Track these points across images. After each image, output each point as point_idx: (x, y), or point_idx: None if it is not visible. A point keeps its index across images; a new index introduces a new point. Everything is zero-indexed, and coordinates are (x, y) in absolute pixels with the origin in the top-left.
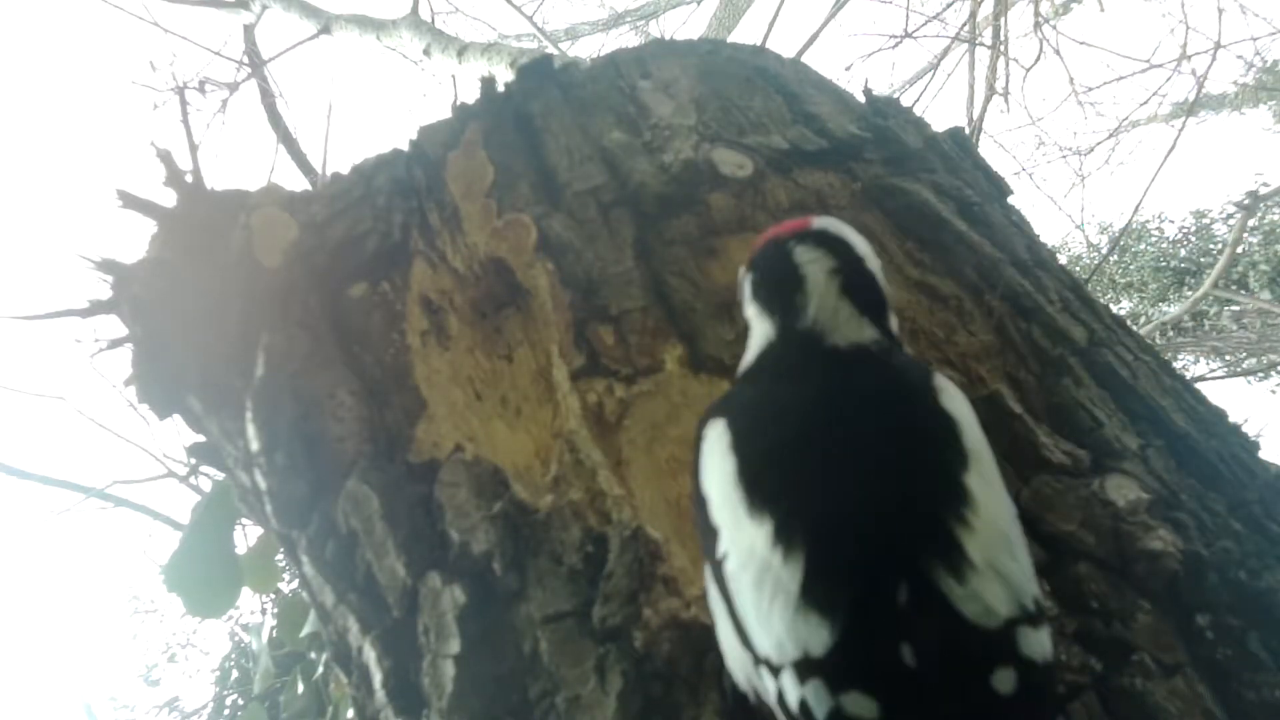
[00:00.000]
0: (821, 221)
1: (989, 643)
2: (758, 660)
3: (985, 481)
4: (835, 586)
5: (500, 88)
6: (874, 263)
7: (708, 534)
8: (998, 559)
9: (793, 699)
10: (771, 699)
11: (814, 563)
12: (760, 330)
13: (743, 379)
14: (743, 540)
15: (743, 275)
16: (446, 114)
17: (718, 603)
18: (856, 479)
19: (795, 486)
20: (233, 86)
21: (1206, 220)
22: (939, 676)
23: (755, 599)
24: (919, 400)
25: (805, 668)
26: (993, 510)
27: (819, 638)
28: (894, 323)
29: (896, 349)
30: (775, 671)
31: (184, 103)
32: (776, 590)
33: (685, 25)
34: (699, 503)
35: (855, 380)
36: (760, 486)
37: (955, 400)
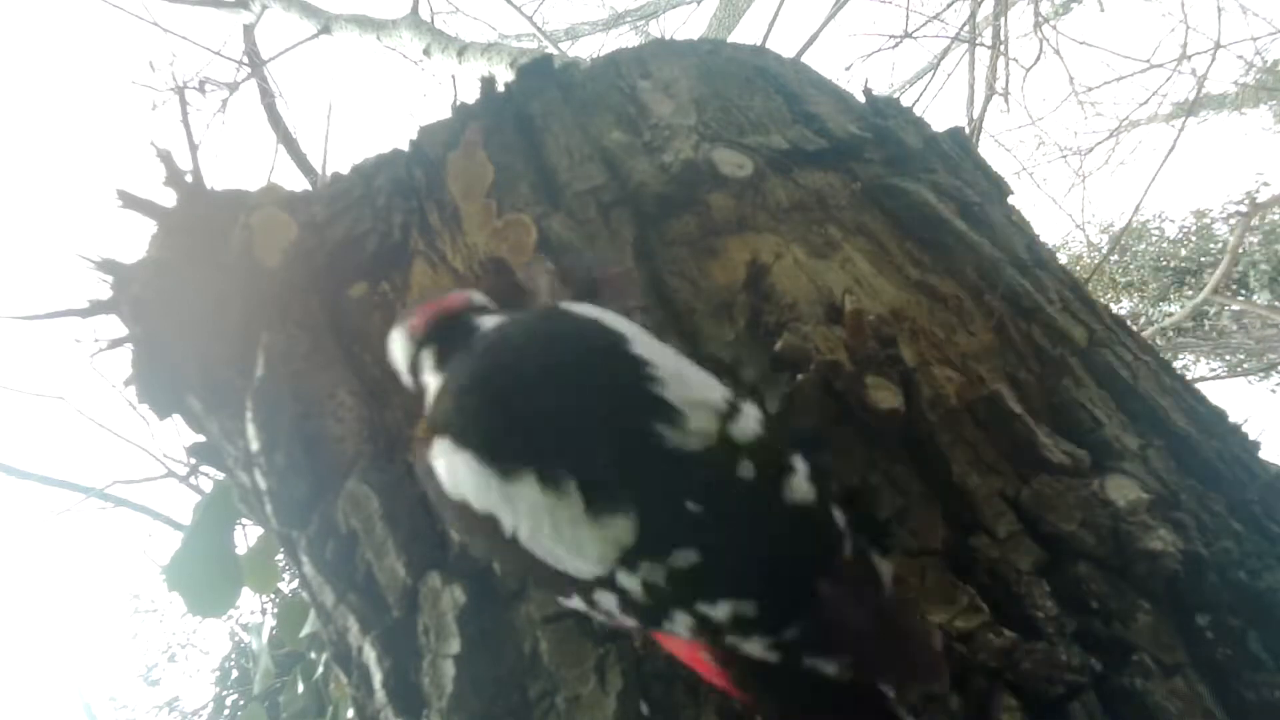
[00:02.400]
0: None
1: (719, 454)
2: (593, 588)
3: (643, 344)
4: (607, 493)
5: (500, 88)
6: None
7: (483, 525)
8: (689, 394)
9: (635, 587)
10: (616, 610)
11: (582, 486)
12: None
13: (434, 408)
14: (519, 507)
15: (407, 346)
16: (446, 114)
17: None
18: (562, 406)
19: (524, 441)
20: (233, 86)
21: (1206, 220)
22: (712, 503)
23: (560, 540)
24: (564, 321)
25: (629, 558)
26: (660, 360)
27: (624, 533)
28: None
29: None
30: (610, 580)
31: (184, 103)
32: (572, 522)
33: (685, 25)
34: (461, 512)
35: (534, 347)
36: (506, 458)
37: (581, 306)
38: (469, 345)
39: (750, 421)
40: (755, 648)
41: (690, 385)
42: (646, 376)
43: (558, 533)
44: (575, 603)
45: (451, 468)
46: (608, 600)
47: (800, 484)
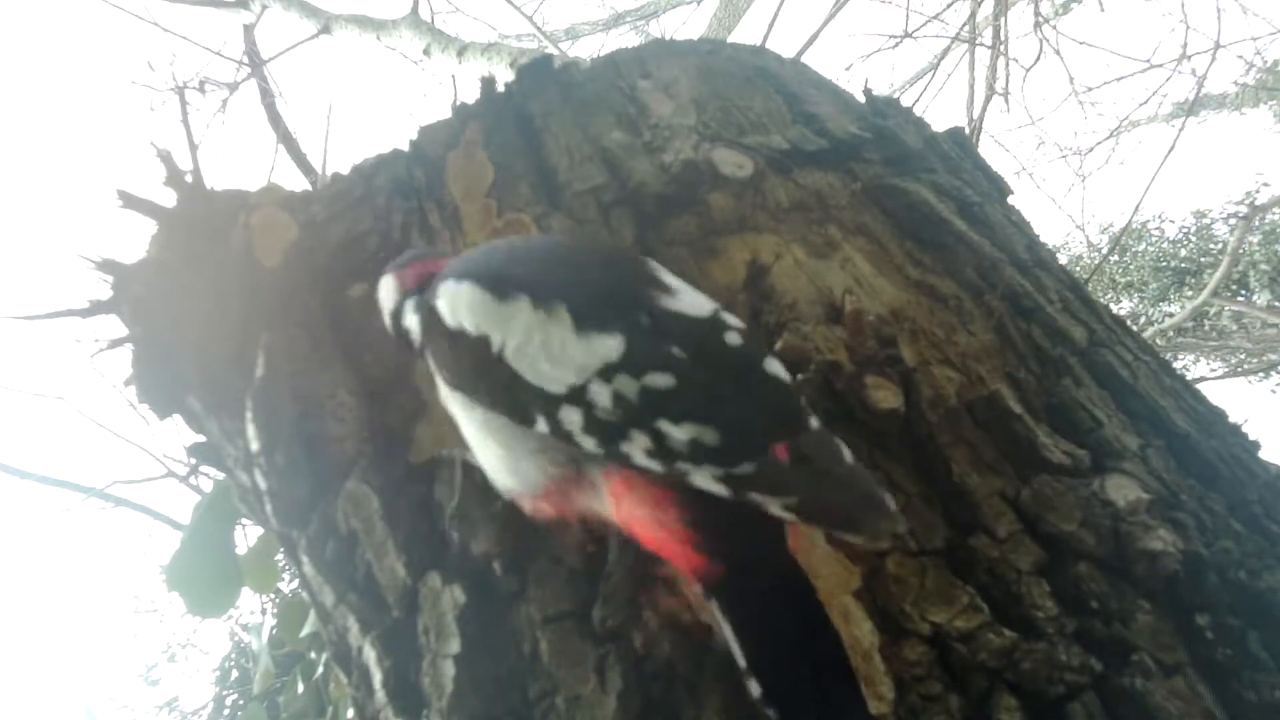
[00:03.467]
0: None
1: (711, 323)
2: (561, 404)
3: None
4: (599, 316)
5: (500, 88)
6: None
7: (473, 347)
8: (687, 287)
9: (605, 400)
10: (576, 426)
11: (574, 306)
12: None
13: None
14: (515, 325)
15: (394, 295)
16: (446, 114)
17: (480, 432)
18: (574, 258)
19: (532, 275)
20: (233, 86)
21: (1206, 220)
22: (699, 353)
23: (546, 354)
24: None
25: (607, 371)
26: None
27: (610, 348)
28: None
29: None
30: (581, 393)
31: (184, 103)
32: (563, 334)
33: (685, 25)
34: (453, 339)
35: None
36: (503, 286)
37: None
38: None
39: (737, 322)
40: (704, 477)
41: (691, 290)
42: (651, 266)
43: (546, 345)
44: (540, 425)
45: (452, 299)
46: (572, 417)
47: (778, 366)
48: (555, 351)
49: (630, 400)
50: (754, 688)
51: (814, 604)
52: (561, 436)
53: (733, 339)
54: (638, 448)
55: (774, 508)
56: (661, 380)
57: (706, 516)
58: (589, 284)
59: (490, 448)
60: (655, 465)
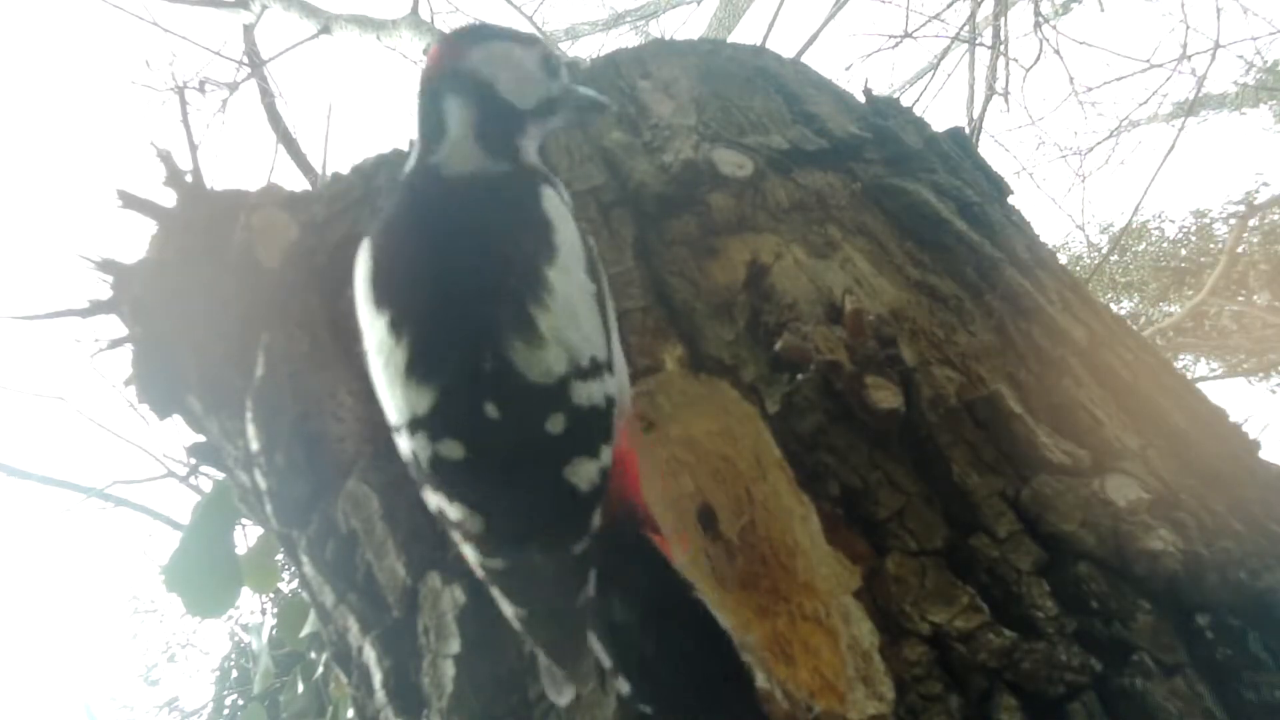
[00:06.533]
0: (477, 56)
1: (546, 395)
2: (393, 428)
3: (564, 270)
4: (433, 362)
5: None
6: (521, 86)
7: (359, 334)
8: (562, 332)
9: (406, 449)
10: (405, 456)
11: (418, 345)
12: (411, 155)
13: (392, 196)
14: (374, 334)
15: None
16: None
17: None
18: (454, 277)
19: (406, 286)
20: (233, 86)
21: (1206, 220)
22: (509, 424)
23: (384, 378)
24: (520, 210)
25: (414, 425)
26: (566, 292)
27: (423, 401)
28: (529, 149)
29: (523, 171)
30: (398, 432)
31: (184, 103)
32: (395, 370)
33: (685, 25)
34: (352, 308)
35: (461, 201)
36: (382, 289)
37: (553, 204)
38: (429, 135)
39: (598, 393)
40: (470, 553)
41: (575, 324)
42: (535, 293)
43: (385, 371)
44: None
45: (359, 270)
46: (403, 443)
47: (590, 473)
48: (387, 384)
49: (422, 463)
50: (622, 685)
51: (689, 604)
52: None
53: (554, 425)
54: (429, 500)
55: (505, 608)
56: (451, 450)
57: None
58: (446, 314)
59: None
60: (438, 519)
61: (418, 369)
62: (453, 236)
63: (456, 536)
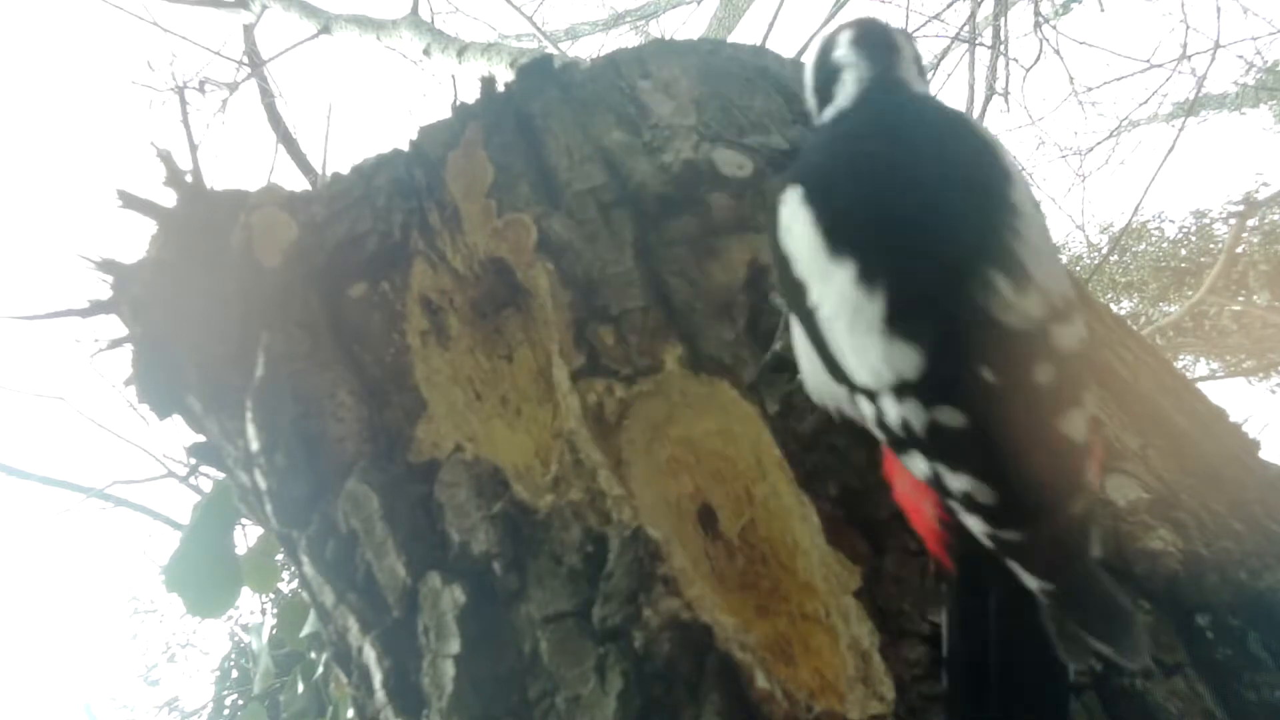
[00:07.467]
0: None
1: (1031, 343)
2: (855, 390)
3: (1025, 195)
4: (918, 317)
5: (500, 88)
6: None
7: (794, 289)
8: (1039, 269)
9: (893, 417)
10: (870, 421)
11: (895, 297)
12: (833, 104)
13: (821, 140)
14: (831, 289)
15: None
16: (446, 114)
17: (805, 349)
18: (929, 216)
19: (869, 231)
20: (233, 86)
21: (1206, 220)
22: (1005, 383)
23: (850, 339)
24: (967, 134)
25: (901, 390)
26: (1034, 219)
27: (910, 363)
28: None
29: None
30: (873, 397)
31: (184, 103)
32: (868, 328)
33: (685, 25)
34: (781, 262)
35: (912, 130)
36: (839, 238)
37: (983, 128)
38: (883, 94)
39: (1074, 336)
40: (975, 525)
41: (1049, 260)
42: (1010, 227)
43: (851, 330)
44: (840, 390)
45: (790, 220)
46: (866, 408)
47: (1080, 424)
48: (858, 343)
49: (916, 431)
50: (943, 678)
51: (1040, 644)
52: (854, 409)
53: (1043, 375)
54: (916, 466)
55: (1029, 583)
56: (952, 418)
57: (958, 528)
58: (924, 258)
59: (806, 354)
60: (931, 486)
61: (899, 325)
62: (916, 170)
63: (954, 506)
